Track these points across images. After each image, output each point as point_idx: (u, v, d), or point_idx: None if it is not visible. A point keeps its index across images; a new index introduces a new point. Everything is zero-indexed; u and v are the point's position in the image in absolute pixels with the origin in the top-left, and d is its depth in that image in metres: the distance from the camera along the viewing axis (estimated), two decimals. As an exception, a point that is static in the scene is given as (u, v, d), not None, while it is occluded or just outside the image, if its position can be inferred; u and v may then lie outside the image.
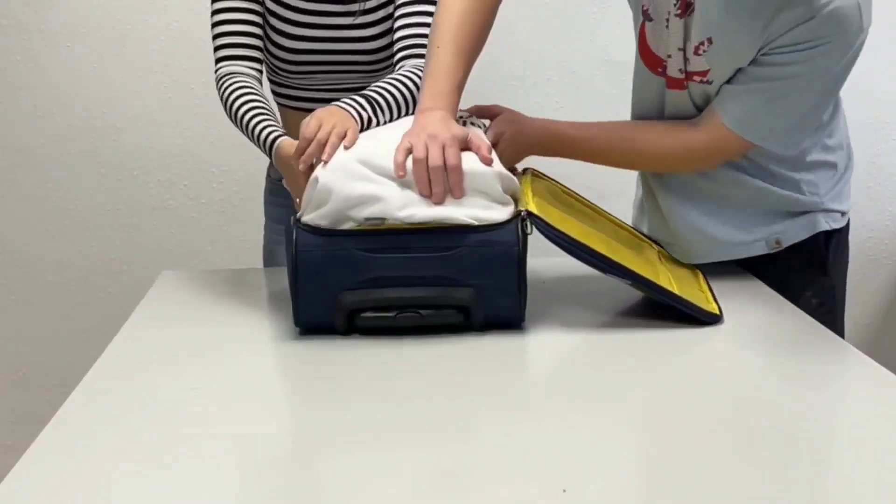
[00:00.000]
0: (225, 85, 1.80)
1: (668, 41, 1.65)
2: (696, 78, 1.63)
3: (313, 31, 1.88)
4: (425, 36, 1.77)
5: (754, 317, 1.57)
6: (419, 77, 1.72)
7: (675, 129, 1.68)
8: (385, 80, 1.76)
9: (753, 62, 1.58)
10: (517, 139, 1.66)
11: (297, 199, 1.56)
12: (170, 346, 1.46)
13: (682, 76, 1.65)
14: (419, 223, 1.42)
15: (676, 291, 1.51)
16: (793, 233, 1.72)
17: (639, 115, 1.80)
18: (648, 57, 1.71)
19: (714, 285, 1.64)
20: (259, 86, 1.83)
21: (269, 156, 1.71)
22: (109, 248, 2.85)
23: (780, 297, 1.65)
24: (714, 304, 1.55)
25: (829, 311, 1.73)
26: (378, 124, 1.64)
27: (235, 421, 1.20)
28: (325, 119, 1.55)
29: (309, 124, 1.54)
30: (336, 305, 1.43)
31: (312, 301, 1.44)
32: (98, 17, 2.73)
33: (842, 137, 1.76)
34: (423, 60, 1.75)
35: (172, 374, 1.35)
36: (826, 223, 1.73)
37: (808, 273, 1.75)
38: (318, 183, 1.43)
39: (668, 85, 1.69)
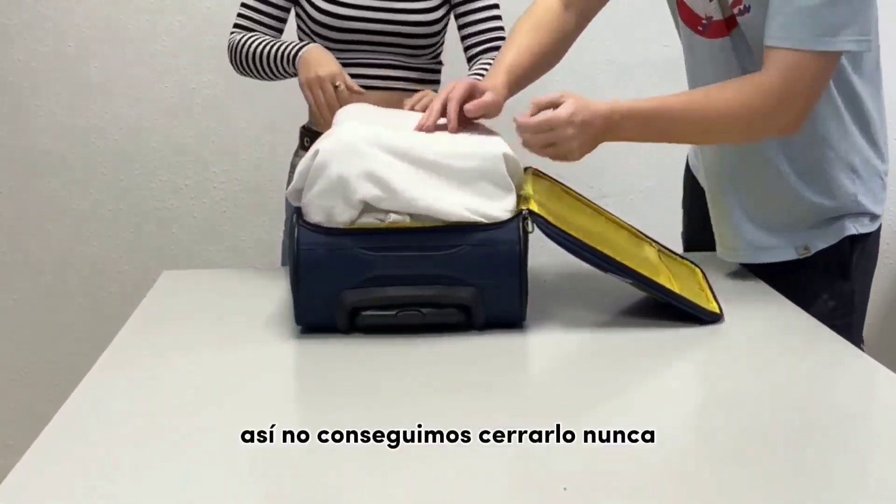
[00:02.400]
0: (238, 37, 1.95)
1: None
2: (735, 9, 1.59)
3: None
4: (497, 29, 1.99)
5: (755, 316, 1.57)
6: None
7: (744, 80, 1.57)
8: (478, 67, 1.91)
9: None
10: (583, 117, 1.52)
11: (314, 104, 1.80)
12: (171, 346, 1.46)
13: (723, 16, 1.62)
14: (416, 211, 1.41)
15: (676, 290, 1.51)
16: (821, 238, 1.71)
17: (694, 87, 1.76)
18: (688, 16, 1.69)
19: (715, 284, 1.64)
20: None
21: (293, 60, 1.85)
22: (111, 248, 2.85)
23: (781, 297, 1.65)
24: (714, 303, 1.54)
25: (845, 316, 1.71)
26: None
27: (237, 419, 1.19)
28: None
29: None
30: (337, 304, 1.43)
31: (314, 299, 1.44)
32: (101, 17, 2.73)
33: (879, 136, 1.73)
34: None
35: (174, 373, 1.35)
36: (853, 227, 1.71)
37: (828, 275, 1.73)
38: (317, 155, 1.43)
39: (711, 33, 1.65)
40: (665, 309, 1.51)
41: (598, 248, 1.46)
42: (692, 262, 1.73)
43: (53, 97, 2.77)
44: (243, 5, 1.99)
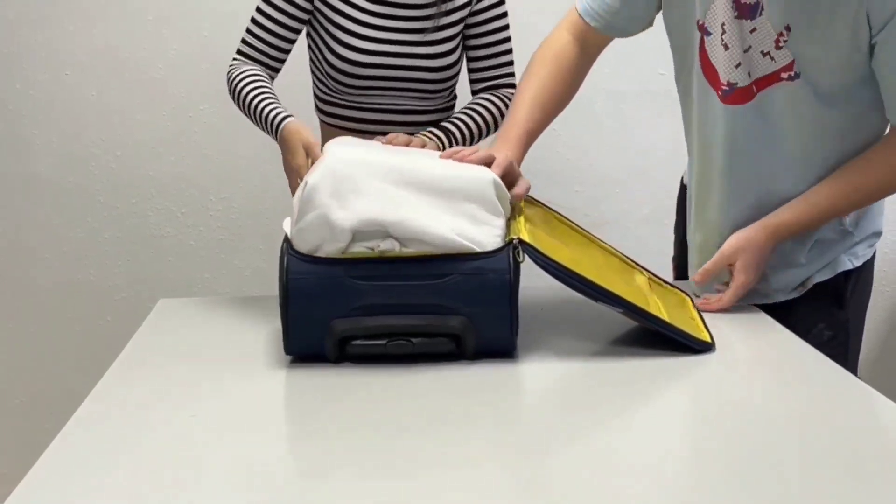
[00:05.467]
0: (237, 72, 1.90)
1: (732, 48, 1.64)
2: (784, 75, 1.62)
3: (381, 45, 1.91)
4: (505, 65, 1.99)
5: (747, 344, 1.57)
6: (497, 105, 1.91)
7: (886, 155, 1.66)
8: (461, 110, 1.90)
9: (879, 54, 1.57)
10: (757, 260, 1.67)
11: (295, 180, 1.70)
12: (165, 376, 1.46)
13: (750, 80, 1.65)
14: (405, 234, 1.42)
15: (667, 319, 1.51)
16: (818, 276, 1.73)
17: (699, 143, 1.78)
18: (711, 75, 1.70)
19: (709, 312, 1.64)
20: (270, 81, 1.92)
21: (275, 135, 1.80)
22: (107, 275, 2.85)
23: (775, 323, 1.65)
24: (706, 332, 1.54)
25: (840, 345, 1.73)
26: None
27: (228, 449, 1.20)
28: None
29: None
30: (327, 333, 1.43)
31: (303, 328, 1.44)
32: (97, 45, 2.75)
33: None
34: (507, 90, 1.95)
35: (168, 402, 1.35)
36: (849, 262, 1.74)
37: (824, 305, 1.74)
38: (306, 187, 1.43)
39: (732, 100, 1.67)
40: (656, 338, 1.51)
41: (589, 277, 1.46)
42: (683, 291, 1.73)
43: (51, 125, 2.78)
44: (249, 32, 1.95)
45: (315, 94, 2.04)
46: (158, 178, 2.82)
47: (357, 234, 1.42)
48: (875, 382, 1.38)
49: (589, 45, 1.85)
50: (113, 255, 2.85)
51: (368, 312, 1.43)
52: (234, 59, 1.96)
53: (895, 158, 1.65)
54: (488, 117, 1.93)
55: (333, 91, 1.95)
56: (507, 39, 2.02)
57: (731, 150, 1.71)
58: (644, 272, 1.73)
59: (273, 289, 1.48)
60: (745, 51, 1.64)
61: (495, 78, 2.01)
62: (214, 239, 2.85)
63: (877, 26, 1.54)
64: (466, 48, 2.00)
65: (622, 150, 2.88)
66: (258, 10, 1.93)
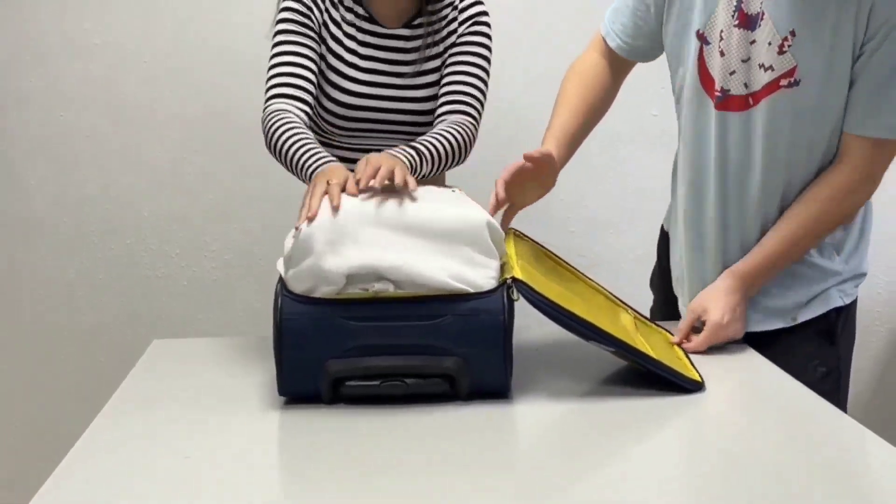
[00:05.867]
0: (274, 119, 1.81)
1: (729, 56, 1.69)
2: (783, 82, 1.65)
3: (371, 88, 1.92)
4: (468, 94, 1.93)
5: (737, 383, 1.57)
6: (460, 133, 1.86)
7: (827, 186, 1.69)
8: (431, 133, 1.85)
9: (862, 59, 1.61)
10: (724, 305, 1.71)
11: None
12: (157, 418, 1.45)
13: (746, 91, 1.68)
14: (400, 278, 1.42)
15: (656, 358, 1.51)
16: (809, 310, 1.75)
17: (691, 154, 1.81)
18: (707, 81, 1.75)
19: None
20: (307, 127, 1.84)
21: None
22: (101, 316, 2.85)
23: (765, 360, 1.66)
24: (694, 371, 1.55)
25: (834, 381, 1.75)
26: (421, 174, 1.73)
27: (222, 491, 1.19)
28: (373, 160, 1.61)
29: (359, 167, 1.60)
30: (321, 374, 1.43)
31: (297, 369, 1.44)
32: (93, 86, 2.77)
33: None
34: (463, 117, 1.91)
35: (162, 443, 1.35)
36: (840, 298, 1.76)
37: (817, 343, 1.76)
38: (299, 235, 1.44)
39: (727, 107, 1.71)
40: (646, 378, 1.51)
41: (582, 315, 1.46)
42: (667, 330, 1.74)
43: (46, 166, 2.79)
44: (278, 73, 1.87)
45: None
46: (152, 220, 2.83)
47: (351, 278, 1.43)
48: (868, 422, 1.38)
49: (615, 64, 1.94)
50: (107, 296, 2.85)
51: (362, 353, 1.43)
52: (267, 105, 1.87)
53: (832, 193, 1.69)
54: (454, 143, 1.86)
55: (326, 133, 1.96)
56: (479, 76, 1.97)
57: (723, 157, 1.75)
58: (629, 310, 1.74)
59: (267, 329, 1.48)
60: (744, 61, 1.68)
61: (456, 102, 1.95)
62: (208, 279, 2.85)
63: (872, 32, 1.59)
64: (442, 76, 2.00)
65: (615, 191, 2.89)
66: (280, 52, 1.89)
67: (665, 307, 1.98)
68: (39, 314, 2.85)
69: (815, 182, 1.70)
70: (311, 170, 1.70)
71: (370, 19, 1.94)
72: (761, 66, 1.66)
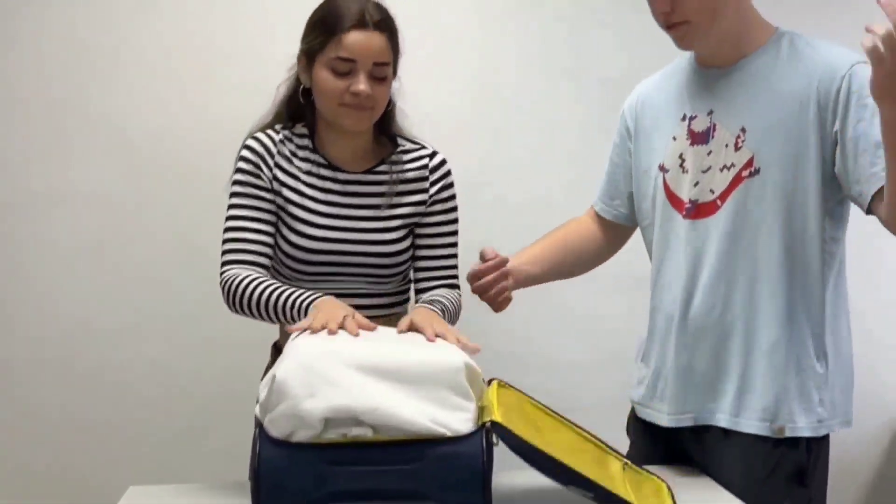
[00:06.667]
0: (235, 279, 1.88)
1: (689, 168, 1.84)
2: (744, 173, 1.76)
3: (332, 232, 1.95)
4: (453, 267, 2.06)
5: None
6: (454, 304, 1.98)
7: None
8: (438, 294, 1.98)
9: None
10: None
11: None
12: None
13: (714, 196, 1.80)
14: (378, 422, 1.42)
15: (637, 505, 1.51)
16: (799, 426, 1.77)
17: (666, 273, 1.92)
18: (675, 201, 1.88)
19: (684, 499, 1.63)
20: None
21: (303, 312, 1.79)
22: (78, 460, 2.81)
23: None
24: (681, 518, 1.54)
25: None
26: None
27: None
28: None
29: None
30: (300, 519, 1.42)
31: (275, 515, 1.42)
32: (69, 228, 2.79)
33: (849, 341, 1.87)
34: (453, 290, 2.03)
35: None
36: (816, 421, 1.78)
37: (787, 484, 1.77)
38: (274, 380, 1.44)
39: (698, 215, 1.83)
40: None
41: (563, 461, 1.46)
42: (658, 477, 1.73)
43: (28, 305, 2.79)
44: (232, 239, 1.94)
45: None
46: (132, 365, 2.81)
47: (329, 422, 1.42)
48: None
49: (607, 230, 2.13)
50: (84, 439, 2.81)
51: (341, 498, 1.42)
52: (226, 268, 1.93)
53: None
54: (454, 311, 1.98)
55: (289, 279, 1.98)
56: (456, 244, 2.09)
57: (695, 263, 1.84)
58: (620, 458, 1.73)
59: (245, 474, 1.47)
60: (704, 171, 1.82)
61: (442, 278, 2.06)
62: (185, 424, 2.83)
63: (834, 113, 1.72)
64: (416, 246, 2.06)
65: (593, 337, 2.91)
66: (232, 217, 1.95)
67: (643, 451, 1.98)
68: (14, 456, 2.80)
69: None
70: (305, 304, 1.75)
71: (329, 166, 1.99)
72: (722, 168, 1.80)
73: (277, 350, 2.08)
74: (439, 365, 1.49)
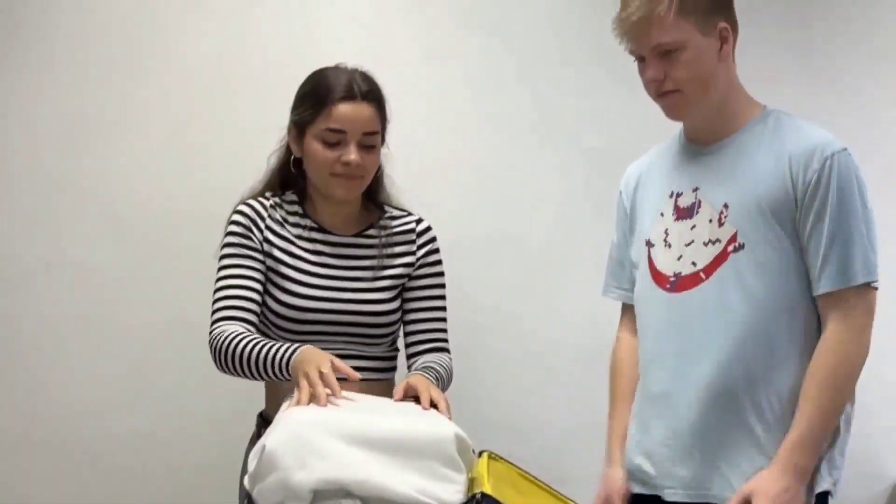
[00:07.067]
0: (222, 337, 1.89)
1: (673, 243, 1.86)
2: (729, 248, 1.78)
3: (322, 291, 1.97)
4: (443, 330, 2.09)
5: None
6: (446, 369, 2.00)
7: (825, 350, 1.76)
8: (431, 361, 1.99)
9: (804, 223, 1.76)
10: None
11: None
12: None
13: (696, 269, 1.81)
14: (367, 493, 1.40)
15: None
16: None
17: (648, 348, 1.93)
18: (658, 277, 1.89)
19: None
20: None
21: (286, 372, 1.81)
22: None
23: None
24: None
25: None
26: None
27: None
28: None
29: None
30: None
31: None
32: (56, 298, 2.76)
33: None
34: (444, 354, 2.05)
35: None
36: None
37: None
38: (264, 451, 1.43)
39: (681, 288, 1.83)
40: None
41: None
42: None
43: (12, 380, 2.75)
44: (223, 297, 1.96)
45: None
46: (117, 438, 2.77)
47: (318, 493, 1.41)
48: None
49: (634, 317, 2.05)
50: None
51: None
52: (214, 326, 1.95)
53: (831, 340, 1.76)
54: (445, 377, 1.99)
55: (278, 341, 1.98)
56: (445, 308, 2.10)
57: (680, 337, 1.85)
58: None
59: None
60: (687, 245, 1.84)
61: (433, 341, 2.08)
62: (171, 494, 2.78)
63: (800, 192, 1.76)
64: (405, 311, 2.07)
65: (582, 406, 2.89)
66: (222, 277, 1.97)
67: None
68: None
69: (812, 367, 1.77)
70: (286, 357, 1.75)
71: (320, 229, 2.01)
72: (706, 242, 1.82)
73: (263, 419, 2.07)
74: (429, 436, 1.48)
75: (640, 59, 1.86)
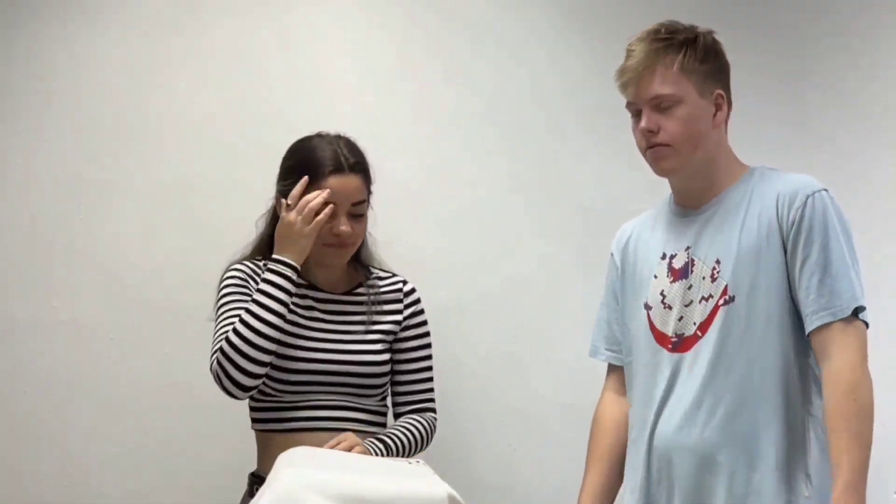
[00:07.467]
0: (222, 339, 1.95)
1: (672, 304, 1.87)
2: (721, 301, 1.80)
3: (319, 343, 2.03)
4: (428, 390, 2.13)
5: None
6: (424, 427, 2.05)
7: (836, 382, 1.75)
8: (396, 426, 2.02)
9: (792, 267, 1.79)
10: None
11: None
12: None
13: (695, 328, 1.83)
14: None
15: None
16: None
17: (651, 405, 1.92)
18: (660, 338, 1.90)
19: None
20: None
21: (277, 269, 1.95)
22: None
23: None
24: None
25: None
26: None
27: None
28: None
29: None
30: None
31: None
32: (49, 358, 2.75)
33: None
34: (428, 413, 2.10)
35: None
36: None
37: None
38: None
39: (682, 348, 1.85)
40: None
41: None
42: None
43: (3, 442, 2.74)
44: (223, 331, 1.98)
45: (251, 407, 2.08)
46: (108, 497, 2.76)
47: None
48: None
49: (621, 380, 2.07)
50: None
51: None
52: (216, 353, 1.97)
53: (839, 372, 1.75)
54: (419, 436, 2.02)
55: (273, 392, 2.00)
56: (430, 368, 2.13)
57: (681, 394, 1.86)
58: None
59: None
60: (687, 305, 1.86)
61: (419, 402, 2.12)
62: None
63: (786, 229, 1.79)
64: (393, 372, 2.10)
65: (572, 465, 2.88)
66: (222, 314, 1.99)
67: None
68: None
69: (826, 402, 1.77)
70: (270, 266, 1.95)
71: (311, 286, 2.04)
72: (702, 299, 1.84)
73: (255, 478, 2.07)
74: (421, 497, 1.48)
75: (636, 115, 1.89)
